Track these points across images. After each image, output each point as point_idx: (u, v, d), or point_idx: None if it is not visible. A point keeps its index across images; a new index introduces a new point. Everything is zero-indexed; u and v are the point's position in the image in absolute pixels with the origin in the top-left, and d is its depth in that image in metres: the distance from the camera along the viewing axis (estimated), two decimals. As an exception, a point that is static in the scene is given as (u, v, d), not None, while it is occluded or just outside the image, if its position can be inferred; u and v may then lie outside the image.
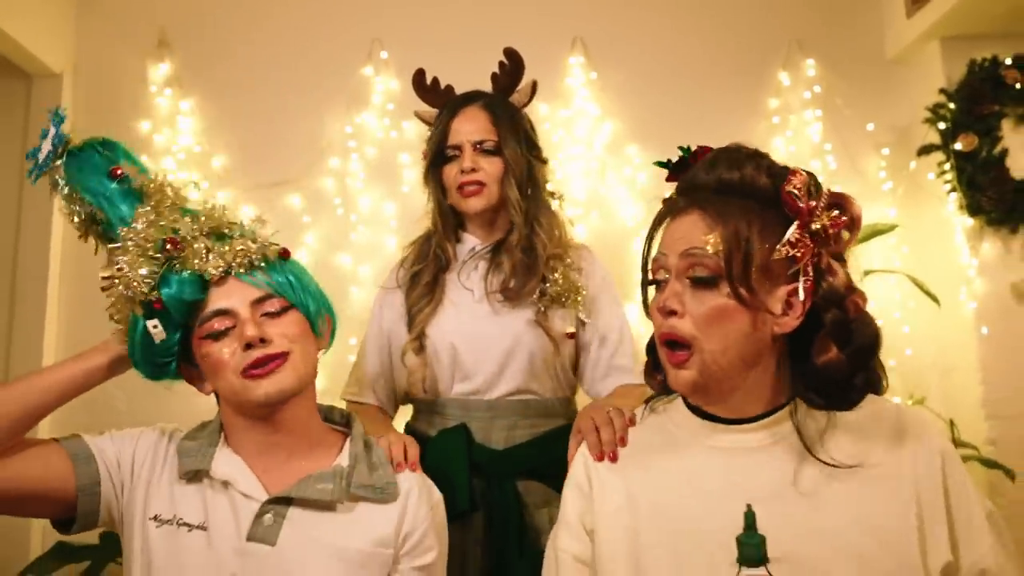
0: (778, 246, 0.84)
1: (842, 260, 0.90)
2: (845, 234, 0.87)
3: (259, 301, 1.03)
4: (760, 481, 0.85)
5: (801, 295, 0.84)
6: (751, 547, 0.81)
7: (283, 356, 1.01)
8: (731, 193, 0.87)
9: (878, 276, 2.43)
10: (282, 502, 1.00)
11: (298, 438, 1.04)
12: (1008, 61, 2.47)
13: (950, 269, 2.47)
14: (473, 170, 1.42)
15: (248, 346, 1.00)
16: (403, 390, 1.51)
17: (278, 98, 2.55)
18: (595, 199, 2.57)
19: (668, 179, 0.97)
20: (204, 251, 1.02)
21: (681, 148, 0.97)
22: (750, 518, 0.82)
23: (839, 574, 0.80)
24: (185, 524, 0.99)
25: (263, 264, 1.05)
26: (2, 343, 2.37)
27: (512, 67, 1.52)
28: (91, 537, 2.08)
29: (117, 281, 1.00)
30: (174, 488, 1.02)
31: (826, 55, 2.66)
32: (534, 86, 1.56)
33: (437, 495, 1.11)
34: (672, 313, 0.86)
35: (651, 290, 0.92)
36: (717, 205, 0.87)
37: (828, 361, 0.83)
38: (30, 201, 2.44)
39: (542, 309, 1.40)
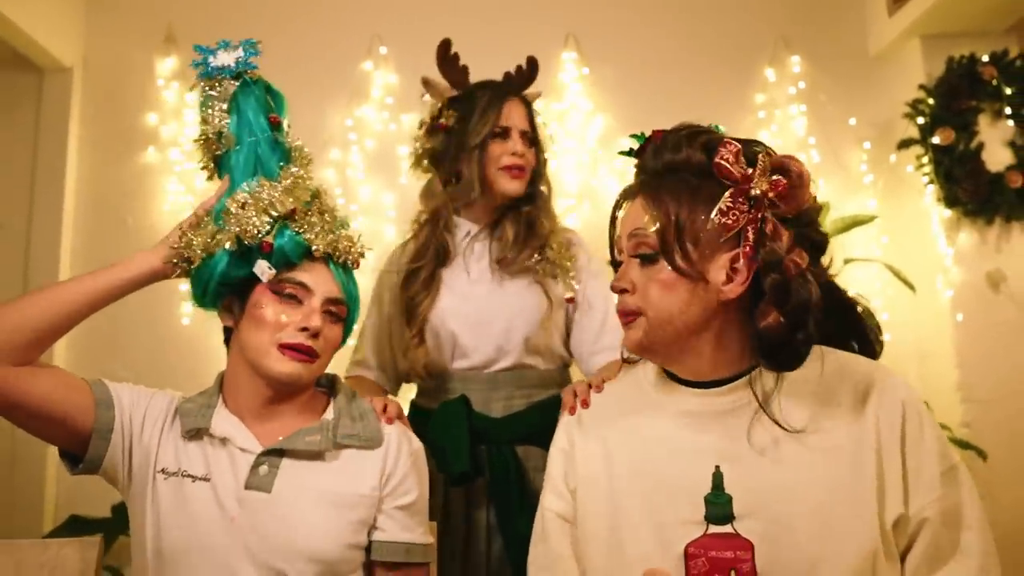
0: (711, 215, 0.87)
1: (804, 222, 0.91)
2: (804, 194, 0.88)
3: (333, 301, 1.13)
4: (728, 442, 0.89)
5: (743, 262, 0.87)
6: (718, 506, 0.86)
7: (316, 356, 1.11)
8: (674, 172, 0.92)
9: (859, 265, 2.52)
10: (275, 454, 1.09)
11: (292, 402, 1.14)
12: (985, 58, 2.56)
13: (927, 258, 2.57)
14: (523, 155, 1.52)
15: (303, 330, 1.09)
16: (404, 370, 1.58)
17: (283, 90, 2.63)
18: (587, 191, 2.66)
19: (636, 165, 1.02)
20: (318, 227, 1.12)
21: (635, 136, 1.00)
22: (718, 478, 0.87)
23: (803, 531, 0.83)
24: (190, 476, 1.07)
25: (349, 264, 1.16)
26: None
27: (529, 72, 1.64)
28: (103, 510, 2.19)
29: (231, 217, 1.08)
30: (178, 445, 1.10)
31: (811, 52, 2.75)
32: (537, 95, 1.65)
33: (417, 443, 1.19)
34: (624, 291, 0.93)
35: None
36: (656, 187, 0.92)
37: (768, 325, 0.85)
38: (42, 191, 2.52)
39: (540, 272, 1.50)
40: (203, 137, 1.16)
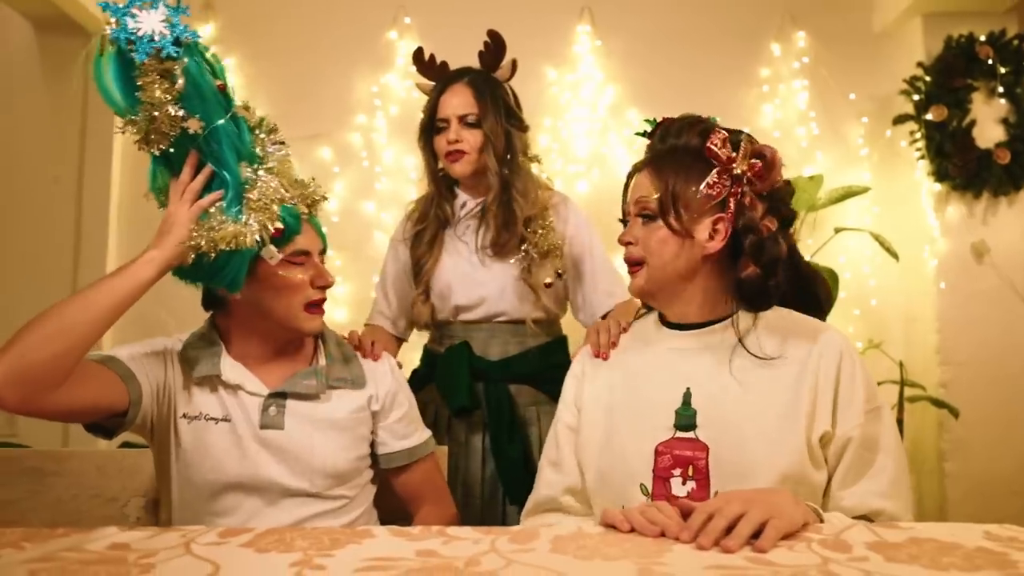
0: (700, 187, 1.10)
1: (776, 198, 1.13)
2: (776, 175, 1.11)
3: (322, 252, 1.29)
4: (702, 370, 1.11)
5: (723, 225, 1.10)
6: (685, 417, 1.09)
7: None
8: (674, 152, 1.14)
9: (850, 233, 2.68)
10: (279, 396, 1.23)
11: (293, 348, 1.30)
12: (983, 38, 2.66)
13: (916, 229, 2.72)
14: (457, 140, 1.64)
15: (320, 287, 1.25)
16: (413, 321, 1.80)
17: (311, 59, 2.81)
18: (597, 158, 2.82)
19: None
20: (296, 192, 1.20)
21: (648, 120, 1.22)
22: (687, 396, 1.10)
23: (747, 439, 1.05)
24: (212, 418, 1.21)
25: (316, 211, 1.27)
26: (68, 284, 2.69)
27: (495, 47, 1.72)
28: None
29: (253, 212, 1.11)
30: (191, 389, 1.22)
31: (816, 28, 2.86)
32: (514, 64, 1.75)
33: (393, 362, 1.39)
34: (629, 243, 1.16)
35: None
36: (659, 163, 1.15)
37: (748, 275, 1.08)
38: (92, 148, 2.73)
39: (526, 266, 1.64)
40: (155, 122, 1.04)
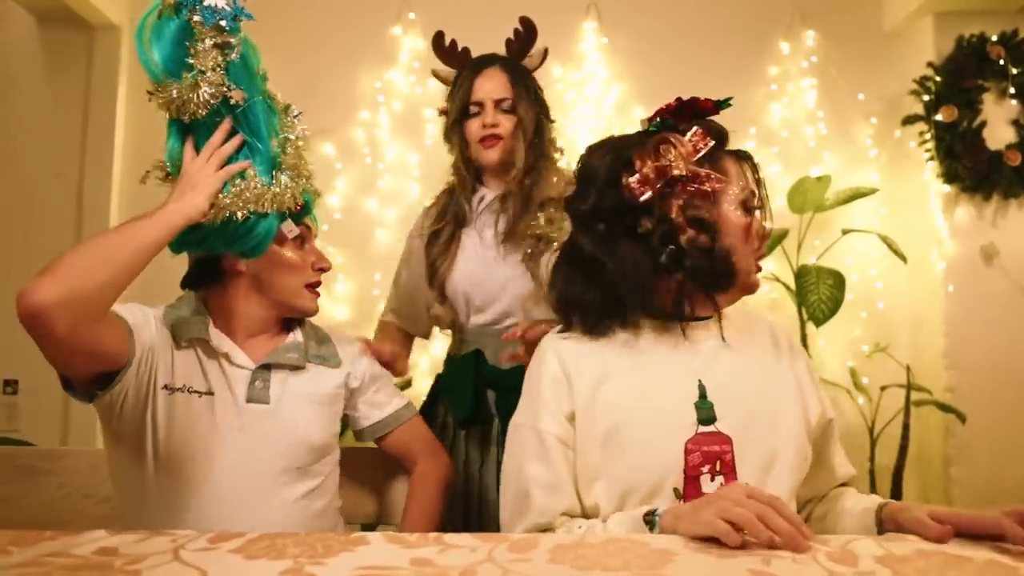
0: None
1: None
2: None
3: (315, 234, 1.34)
4: (702, 362, 1.09)
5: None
6: (704, 410, 1.04)
7: None
8: None
9: (857, 235, 2.65)
10: (264, 368, 1.23)
11: (276, 327, 1.31)
12: (994, 38, 2.63)
13: (924, 231, 2.69)
14: (494, 124, 1.57)
15: (320, 269, 1.29)
16: (431, 323, 1.74)
17: (315, 55, 2.79)
18: (601, 156, 2.79)
19: None
20: (304, 171, 1.24)
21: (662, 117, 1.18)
22: (703, 389, 1.05)
23: (762, 427, 1.04)
24: (195, 391, 1.18)
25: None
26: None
27: (526, 35, 1.67)
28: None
29: (283, 186, 1.16)
30: (173, 356, 1.18)
31: (826, 26, 2.83)
32: (545, 52, 1.71)
33: (357, 341, 1.41)
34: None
35: None
36: None
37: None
38: (94, 143, 2.72)
39: (529, 251, 1.56)
40: (197, 88, 1.08)
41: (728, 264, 1.08)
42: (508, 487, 1.09)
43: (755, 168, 1.13)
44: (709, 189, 1.06)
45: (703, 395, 1.05)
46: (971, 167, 2.58)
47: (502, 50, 1.69)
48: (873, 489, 2.49)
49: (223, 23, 1.09)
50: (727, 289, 1.10)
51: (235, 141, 1.14)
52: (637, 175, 1.07)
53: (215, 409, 1.19)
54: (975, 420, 2.49)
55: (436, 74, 1.74)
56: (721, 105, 1.12)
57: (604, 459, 1.04)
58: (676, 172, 1.05)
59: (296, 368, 1.27)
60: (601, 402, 1.07)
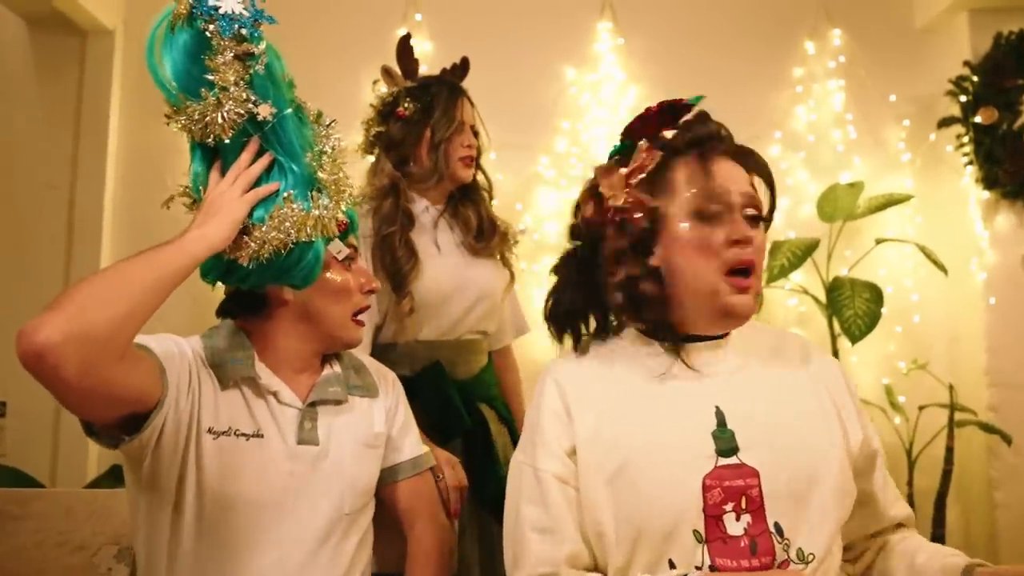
0: None
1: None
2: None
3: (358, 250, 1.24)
4: (716, 386, 0.97)
5: None
6: (724, 440, 0.93)
7: None
8: (755, 155, 1.09)
9: (891, 245, 2.50)
10: (311, 407, 1.14)
11: (317, 360, 1.21)
12: (1035, 35, 2.48)
13: (963, 240, 2.53)
14: (470, 146, 1.71)
15: (368, 292, 1.20)
16: (389, 336, 1.64)
17: (316, 58, 2.65)
18: (618, 162, 2.66)
19: None
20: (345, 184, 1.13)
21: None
22: (721, 416, 0.94)
23: (796, 455, 0.93)
24: (243, 435, 1.07)
25: None
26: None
27: (462, 72, 1.81)
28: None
29: (323, 208, 1.04)
30: (217, 397, 1.07)
31: (853, 25, 2.69)
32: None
33: (392, 374, 1.33)
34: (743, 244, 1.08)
35: None
36: (746, 160, 1.09)
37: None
38: (86, 152, 2.59)
39: (499, 255, 1.72)
40: (221, 107, 0.97)
41: (661, 296, 0.98)
42: (507, 531, 1.01)
43: (755, 168, 1.04)
44: (639, 214, 0.99)
45: (722, 423, 0.94)
46: (1012, 172, 2.43)
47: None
48: (912, 516, 2.33)
49: (243, 31, 0.98)
50: (669, 319, 0.99)
51: (263, 161, 1.03)
52: (580, 214, 1.07)
53: (265, 452, 1.08)
54: (1020, 440, 2.33)
55: (389, 72, 1.80)
56: (692, 102, 1.08)
57: (611, 499, 0.93)
58: (611, 203, 1.02)
59: (338, 402, 1.17)
60: (606, 434, 0.96)
